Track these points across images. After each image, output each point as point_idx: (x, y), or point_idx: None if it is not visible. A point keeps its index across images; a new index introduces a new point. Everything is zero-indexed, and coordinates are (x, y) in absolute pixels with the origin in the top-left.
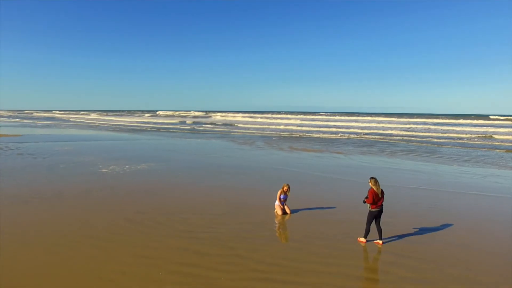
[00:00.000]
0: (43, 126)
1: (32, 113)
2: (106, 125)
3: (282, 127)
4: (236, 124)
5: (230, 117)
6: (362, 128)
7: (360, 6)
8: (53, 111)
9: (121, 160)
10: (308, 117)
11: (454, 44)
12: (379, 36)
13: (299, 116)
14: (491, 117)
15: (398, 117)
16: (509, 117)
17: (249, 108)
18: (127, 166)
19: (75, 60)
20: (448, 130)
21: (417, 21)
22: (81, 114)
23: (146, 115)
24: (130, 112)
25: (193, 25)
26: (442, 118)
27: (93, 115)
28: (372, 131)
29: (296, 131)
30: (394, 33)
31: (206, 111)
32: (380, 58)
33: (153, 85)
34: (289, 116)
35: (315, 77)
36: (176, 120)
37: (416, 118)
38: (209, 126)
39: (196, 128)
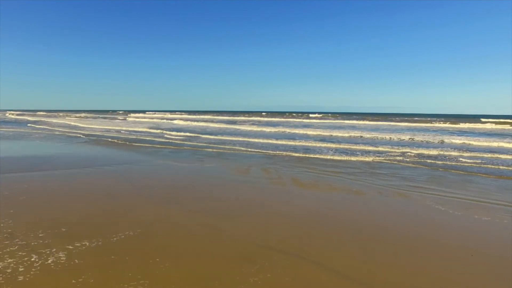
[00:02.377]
0: (6, 138)
1: (4, 113)
2: (76, 133)
3: (276, 141)
4: (223, 137)
5: (219, 124)
6: (363, 142)
7: (354, 6)
8: (38, 112)
9: (40, 232)
10: (303, 121)
11: (443, 44)
12: (371, 36)
13: (290, 120)
14: (483, 119)
15: (389, 120)
16: (500, 120)
17: (238, 108)
18: (33, 258)
19: (65, 58)
20: (452, 143)
21: (408, 21)
22: (60, 118)
23: (120, 118)
24: (114, 113)
25: (193, 24)
26: (433, 121)
27: (72, 117)
28: (376, 148)
29: (293, 148)
30: (386, 33)
31: (194, 111)
32: (365, 58)
33: (143, 85)
34: (279, 119)
35: (308, 76)
36: (146, 129)
37: (407, 121)
38: (182, 139)
39: (172, 140)
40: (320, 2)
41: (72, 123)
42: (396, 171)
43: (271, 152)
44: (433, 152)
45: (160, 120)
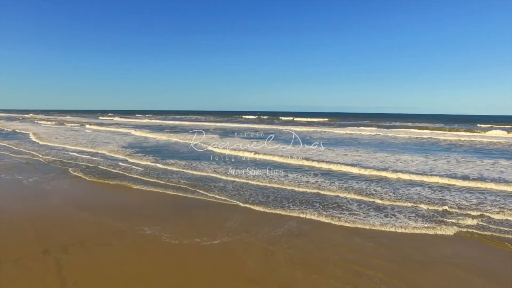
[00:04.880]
0: None
1: None
2: (37, 158)
3: (272, 182)
4: (202, 170)
5: (199, 138)
6: (378, 180)
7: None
8: (32, 112)
9: None
10: (289, 130)
11: (440, 44)
12: (367, 37)
13: (280, 128)
14: (480, 125)
15: (388, 127)
16: (500, 125)
17: (232, 108)
18: None
19: (65, 60)
20: (487, 189)
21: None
22: (40, 126)
23: (92, 126)
24: (103, 115)
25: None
26: (434, 128)
27: (54, 123)
28: (404, 202)
29: (305, 199)
30: (381, 35)
31: (187, 111)
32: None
33: (136, 85)
34: (270, 126)
35: (302, 77)
36: (108, 153)
37: (405, 128)
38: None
39: (138, 174)
40: (319, 3)
41: (40, 141)
42: (469, 259)
43: (276, 211)
44: (485, 211)
45: (135, 132)
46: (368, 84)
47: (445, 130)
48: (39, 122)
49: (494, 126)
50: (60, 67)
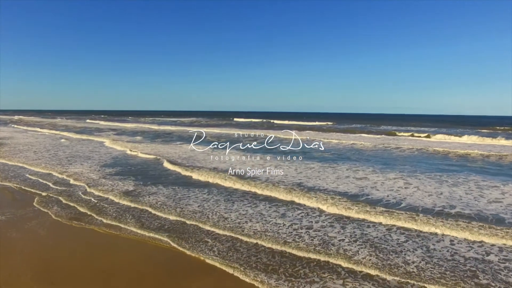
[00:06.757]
0: None
1: None
2: None
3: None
4: (185, 219)
5: (179, 150)
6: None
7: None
8: (26, 113)
9: None
10: (275, 136)
11: (433, 43)
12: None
13: (259, 132)
14: (482, 130)
15: (385, 133)
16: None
17: (232, 108)
18: None
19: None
20: None
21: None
22: (17, 132)
23: (70, 134)
24: (97, 117)
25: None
26: (436, 133)
27: (31, 128)
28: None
29: (332, 273)
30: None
31: (183, 111)
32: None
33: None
34: (260, 132)
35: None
36: (73, 181)
37: (394, 134)
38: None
39: (109, 218)
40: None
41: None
42: None
43: None
44: None
45: (119, 147)
46: (367, 84)
47: (452, 137)
48: (21, 127)
49: (498, 130)
50: (60, 67)
